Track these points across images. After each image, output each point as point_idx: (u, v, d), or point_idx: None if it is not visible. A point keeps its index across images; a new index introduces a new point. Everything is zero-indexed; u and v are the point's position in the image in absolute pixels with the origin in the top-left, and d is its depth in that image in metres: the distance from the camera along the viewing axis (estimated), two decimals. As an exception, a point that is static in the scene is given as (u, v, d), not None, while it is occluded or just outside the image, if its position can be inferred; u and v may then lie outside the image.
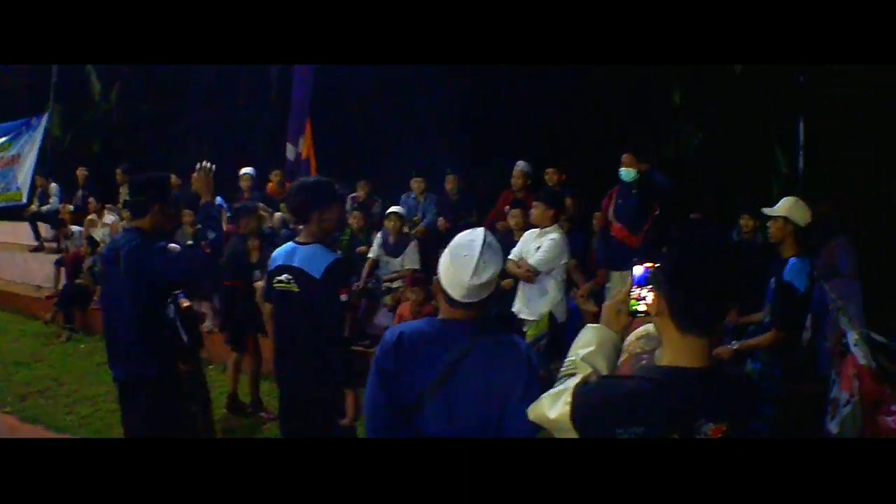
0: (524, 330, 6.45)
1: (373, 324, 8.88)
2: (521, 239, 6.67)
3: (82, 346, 9.65)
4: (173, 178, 6.49)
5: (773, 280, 4.91)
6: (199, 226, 4.40)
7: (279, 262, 4.18)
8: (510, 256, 6.41)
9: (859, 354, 5.30)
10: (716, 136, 10.16)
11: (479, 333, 2.60)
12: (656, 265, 2.18)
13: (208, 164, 4.41)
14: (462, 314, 2.64)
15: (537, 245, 6.36)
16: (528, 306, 6.45)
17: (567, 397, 2.08)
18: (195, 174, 4.44)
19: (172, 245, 4.27)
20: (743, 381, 2.85)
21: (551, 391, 2.19)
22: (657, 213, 7.14)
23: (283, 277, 4.12)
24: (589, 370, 2.23)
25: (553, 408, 2.12)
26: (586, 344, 2.32)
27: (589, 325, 2.42)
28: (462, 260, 2.57)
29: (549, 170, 8.80)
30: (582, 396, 2.07)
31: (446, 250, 2.67)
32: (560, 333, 6.50)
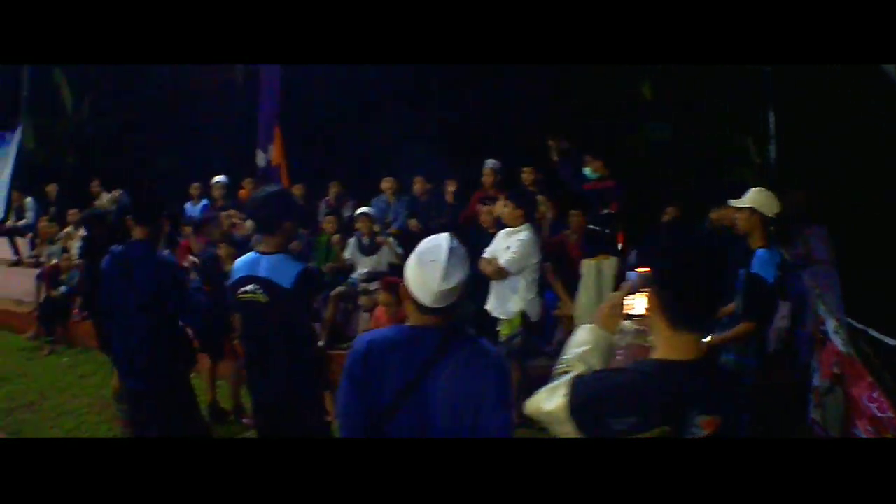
0: (497, 329, 6.47)
1: (351, 326, 8.81)
2: (495, 237, 6.63)
3: (65, 359, 9.55)
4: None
5: (741, 271, 4.87)
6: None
7: (242, 273, 4.07)
8: (484, 254, 6.38)
9: (839, 342, 5.32)
10: (686, 130, 10.17)
11: (449, 339, 2.58)
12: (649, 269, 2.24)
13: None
14: (431, 320, 2.62)
15: (507, 244, 6.32)
16: (501, 305, 6.42)
17: (563, 390, 2.13)
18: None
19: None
20: (733, 375, 2.83)
21: (548, 386, 2.24)
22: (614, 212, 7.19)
23: (248, 288, 4.01)
24: (584, 368, 2.30)
25: (549, 400, 2.17)
26: (582, 343, 2.41)
27: (584, 325, 2.52)
28: (429, 266, 2.57)
29: (525, 169, 8.74)
30: (578, 388, 2.11)
31: (412, 256, 2.66)
32: (533, 332, 6.57)
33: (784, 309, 7.08)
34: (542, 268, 6.58)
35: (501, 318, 6.43)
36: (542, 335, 7.30)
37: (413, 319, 2.68)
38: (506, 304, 6.39)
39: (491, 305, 6.49)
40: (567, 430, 2.08)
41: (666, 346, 2.10)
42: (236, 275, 4.12)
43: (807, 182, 7.88)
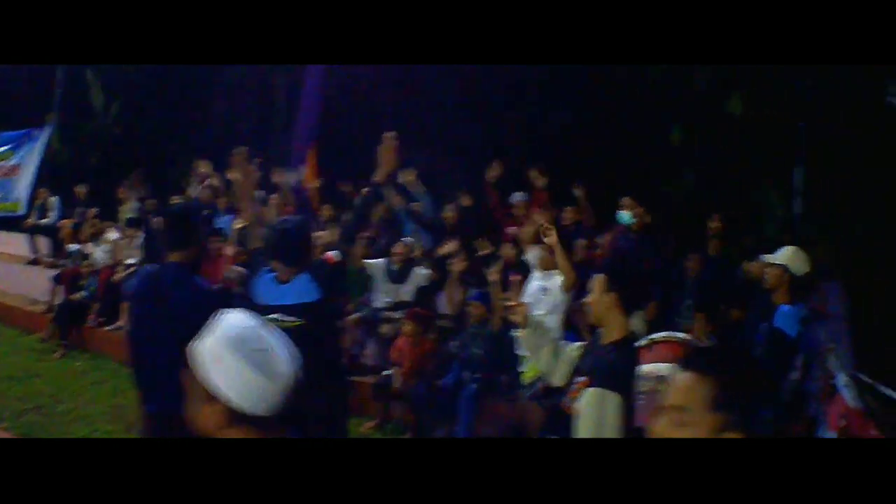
0: (520, 370, 6.32)
1: (366, 353, 8.50)
2: (529, 280, 6.52)
3: (77, 363, 9.39)
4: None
5: (762, 325, 4.96)
6: None
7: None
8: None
9: (848, 395, 5.39)
10: (712, 178, 10.28)
11: None
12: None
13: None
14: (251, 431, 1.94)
15: (541, 292, 6.27)
16: (531, 349, 6.31)
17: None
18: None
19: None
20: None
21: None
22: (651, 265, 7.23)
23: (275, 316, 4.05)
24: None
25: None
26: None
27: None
28: (257, 357, 1.89)
29: (568, 209, 8.72)
30: None
31: (218, 352, 1.92)
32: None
33: (797, 361, 7.15)
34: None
35: (528, 359, 6.31)
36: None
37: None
38: (537, 348, 6.27)
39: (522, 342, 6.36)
40: None
41: (620, 328, 3.29)
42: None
43: (826, 237, 8.00)
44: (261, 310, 4.00)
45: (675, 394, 1.83)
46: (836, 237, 7.99)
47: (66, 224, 12.10)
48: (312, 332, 3.96)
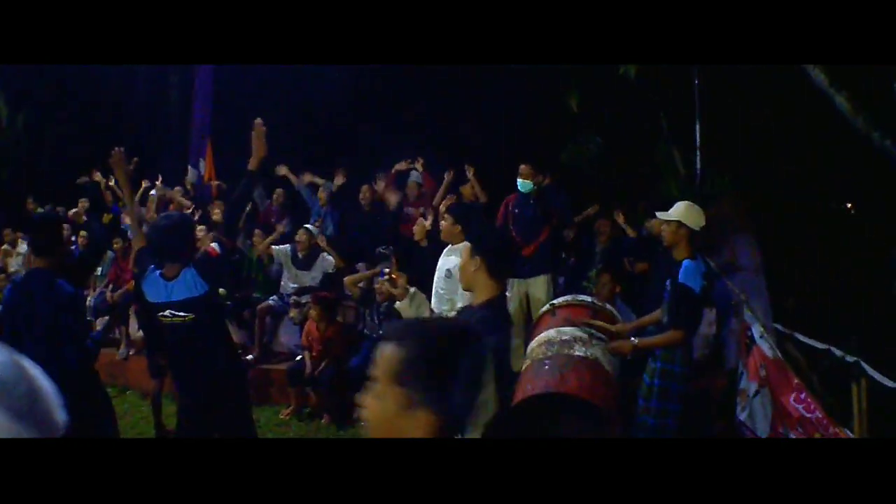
0: None
1: (279, 341, 8.75)
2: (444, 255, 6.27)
3: None
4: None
5: (668, 282, 4.95)
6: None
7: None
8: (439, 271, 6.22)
9: (765, 346, 5.42)
10: (614, 140, 10.31)
11: None
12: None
13: None
14: None
15: (447, 267, 6.13)
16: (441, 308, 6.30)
17: None
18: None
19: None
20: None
21: None
22: (554, 225, 7.10)
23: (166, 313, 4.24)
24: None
25: None
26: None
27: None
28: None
29: (466, 185, 8.71)
30: None
31: None
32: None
33: (710, 315, 7.20)
34: None
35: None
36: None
37: None
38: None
39: (435, 305, 6.34)
40: None
41: (487, 291, 3.43)
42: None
43: (730, 191, 8.05)
44: (152, 307, 4.29)
45: (373, 364, 1.77)
46: (743, 190, 8.03)
47: None
48: (203, 325, 4.23)
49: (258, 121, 4.51)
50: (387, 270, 4.03)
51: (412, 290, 3.91)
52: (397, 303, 3.97)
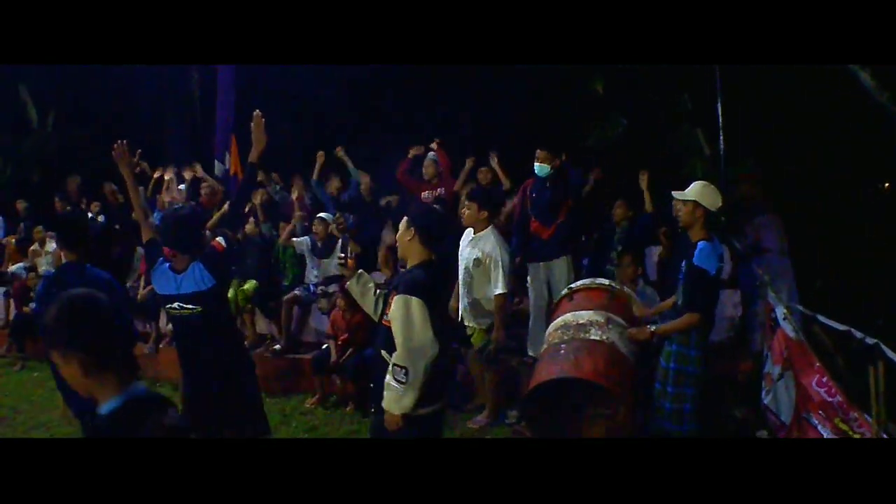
0: (468, 335, 6.45)
1: (309, 329, 8.85)
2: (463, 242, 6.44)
3: (35, 374, 9.57)
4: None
5: (683, 263, 4.90)
6: None
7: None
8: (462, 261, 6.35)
9: (788, 328, 5.35)
10: (638, 123, 10.20)
11: None
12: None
13: None
14: None
15: (474, 255, 6.14)
16: (473, 315, 6.35)
17: None
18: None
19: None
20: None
21: None
22: (571, 205, 7.04)
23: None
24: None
25: None
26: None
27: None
28: None
29: (483, 169, 8.69)
30: None
31: None
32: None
33: (735, 297, 7.13)
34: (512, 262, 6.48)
35: (475, 326, 6.38)
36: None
37: None
38: (479, 314, 6.31)
39: (463, 312, 6.40)
40: None
41: (420, 257, 3.95)
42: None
43: (754, 171, 7.94)
44: (161, 299, 4.43)
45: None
46: (767, 172, 7.92)
47: (11, 240, 12.36)
48: (210, 318, 4.33)
49: (257, 112, 4.59)
50: (341, 255, 4.41)
51: (360, 271, 4.24)
52: (348, 283, 4.28)
